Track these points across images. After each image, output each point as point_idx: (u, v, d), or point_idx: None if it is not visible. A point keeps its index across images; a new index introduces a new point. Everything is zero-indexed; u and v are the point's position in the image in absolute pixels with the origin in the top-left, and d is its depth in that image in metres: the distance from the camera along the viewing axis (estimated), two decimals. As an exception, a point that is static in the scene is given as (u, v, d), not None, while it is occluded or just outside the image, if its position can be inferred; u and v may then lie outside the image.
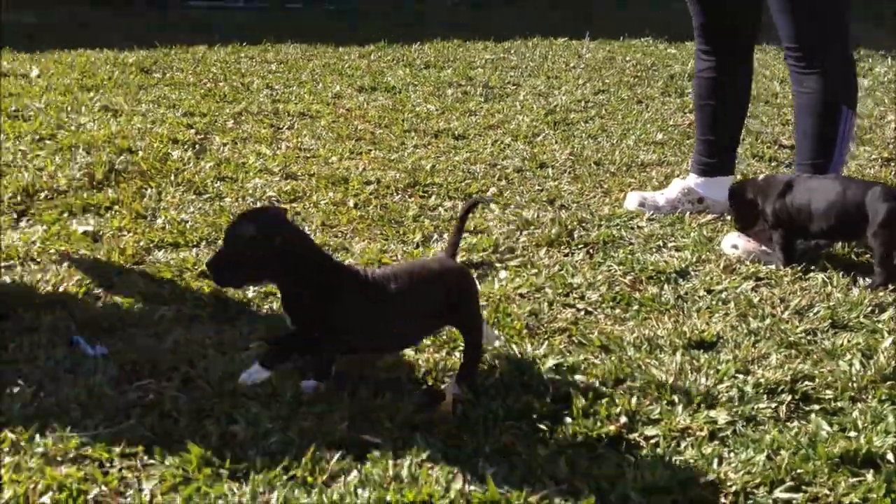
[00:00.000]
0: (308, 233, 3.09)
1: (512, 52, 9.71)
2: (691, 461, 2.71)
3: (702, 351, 3.39)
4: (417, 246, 4.35)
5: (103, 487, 2.55)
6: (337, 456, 2.66)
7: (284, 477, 2.58)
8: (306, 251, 2.85)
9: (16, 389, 2.98)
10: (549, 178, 5.48)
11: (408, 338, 3.04)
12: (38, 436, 2.73)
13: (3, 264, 3.97)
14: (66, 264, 3.99)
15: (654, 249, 4.40)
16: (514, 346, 3.36)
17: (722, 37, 4.76)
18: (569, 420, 2.88)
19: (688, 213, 4.83)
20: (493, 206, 4.86)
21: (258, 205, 4.78)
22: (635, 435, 2.85)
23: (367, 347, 3.05)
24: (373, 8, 13.07)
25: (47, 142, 5.79)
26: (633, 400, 3.01)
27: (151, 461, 2.66)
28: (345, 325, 2.88)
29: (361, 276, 2.91)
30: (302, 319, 2.89)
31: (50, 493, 2.49)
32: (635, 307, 3.78)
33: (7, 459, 2.63)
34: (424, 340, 3.24)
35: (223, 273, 2.90)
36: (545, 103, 7.37)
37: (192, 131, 6.18)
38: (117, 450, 2.70)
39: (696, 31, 4.85)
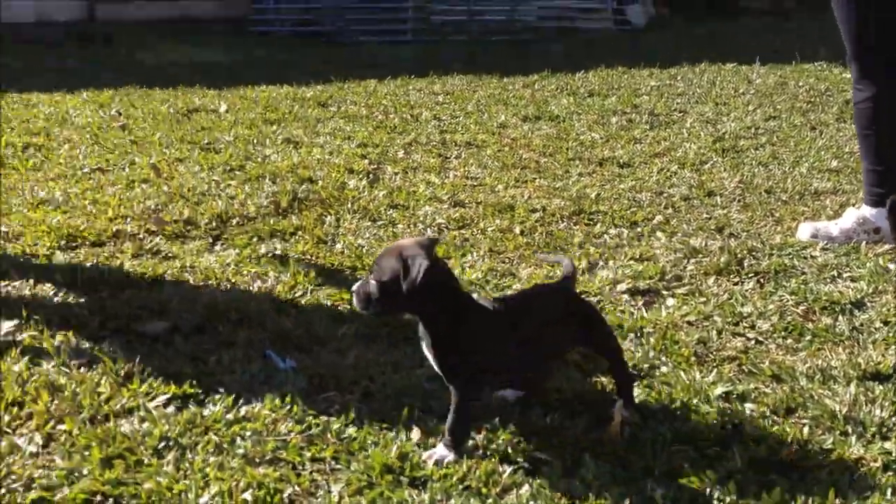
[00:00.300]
0: (449, 268, 3.05)
1: (678, 78, 9.67)
2: (864, 492, 2.67)
3: (877, 382, 3.32)
4: (582, 273, 4.44)
5: (296, 487, 2.78)
6: (509, 470, 2.79)
7: (460, 486, 2.74)
8: (447, 287, 2.88)
9: (217, 397, 3.28)
10: (717, 206, 5.45)
11: (541, 364, 3.11)
12: (238, 439, 3.01)
13: (200, 283, 4.36)
14: (257, 284, 4.33)
15: (827, 280, 4.32)
16: (682, 372, 3.40)
17: (877, 66, 4.66)
18: (738, 446, 2.89)
19: (863, 242, 4.71)
20: (659, 233, 4.89)
21: (428, 231, 5.01)
22: (807, 463, 2.83)
23: (504, 378, 3.09)
24: (535, 37, 13.31)
25: (237, 172, 6.27)
26: (805, 430, 2.99)
27: (338, 466, 2.87)
28: (482, 356, 2.88)
29: (492, 308, 2.97)
30: (442, 352, 2.90)
31: (250, 491, 2.74)
32: (808, 337, 3.74)
33: (212, 459, 2.91)
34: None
35: (364, 301, 2.94)
36: (713, 130, 7.31)
37: (366, 161, 6.53)
38: (308, 454, 2.94)
39: (851, 63, 4.77)
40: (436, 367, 2.94)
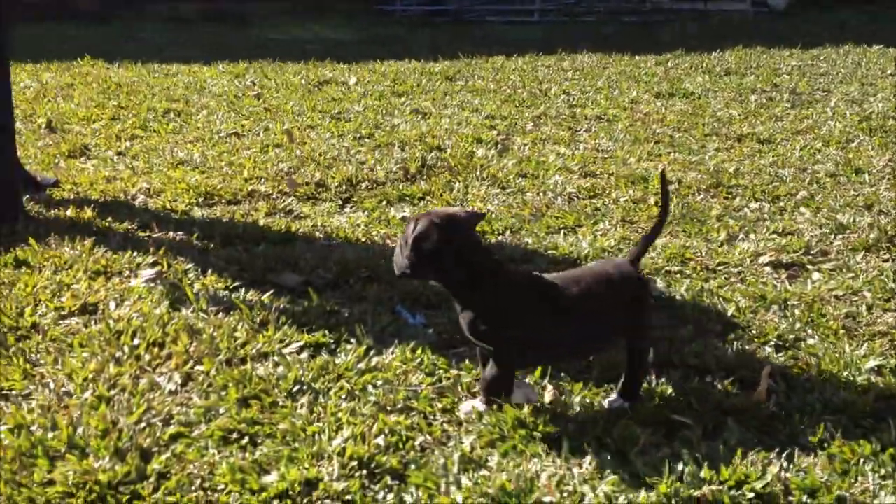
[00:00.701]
0: (478, 239, 2.86)
1: (821, 59, 9.24)
2: None
3: None
4: (721, 244, 4.26)
5: (428, 437, 2.76)
6: (648, 431, 2.69)
7: (596, 444, 2.65)
8: (470, 256, 2.76)
9: (348, 347, 3.30)
10: (865, 183, 5.16)
11: (583, 345, 2.89)
12: (370, 387, 3.01)
13: (333, 242, 4.40)
14: (387, 245, 4.34)
15: None
16: (830, 344, 3.21)
17: None
18: (894, 419, 2.71)
19: None
20: (803, 209, 4.66)
21: (557, 200, 4.92)
22: (974, 443, 2.63)
23: (543, 355, 2.89)
24: (667, 19, 12.95)
25: (366, 140, 6.32)
26: (969, 408, 2.78)
27: (470, 419, 2.83)
28: (518, 331, 2.75)
29: (534, 281, 2.81)
30: (470, 322, 2.80)
31: (382, 437, 2.73)
32: (968, 316, 3.48)
33: (344, 404, 2.92)
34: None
35: (399, 265, 2.84)
36: (859, 110, 6.94)
37: (495, 132, 6.47)
38: (439, 405, 2.92)
39: None
40: (468, 335, 2.84)
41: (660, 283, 3.84)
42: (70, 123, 6.80)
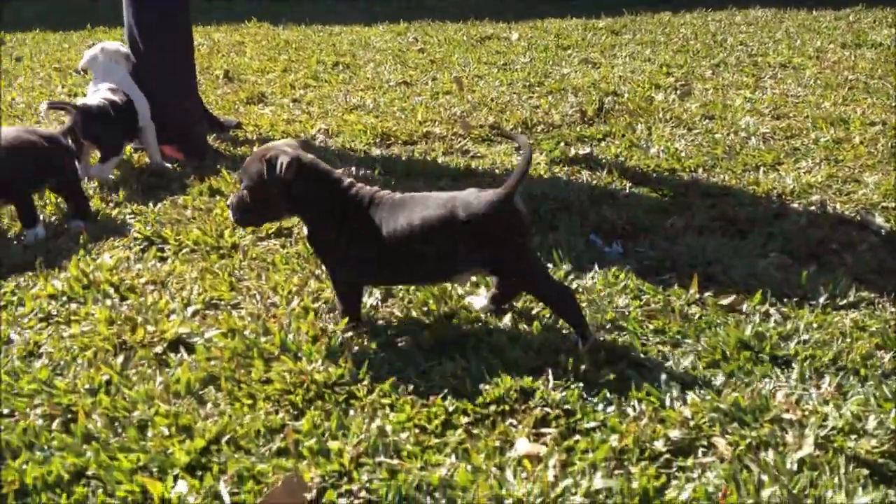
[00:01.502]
0: (322, 165, 2.77)
1: None
2: None
3: None
4: (939, 185, 3.92)
5: (642, 355, 2.62)
6: (888, 357, 2.46)
7: (833, 367, 2.45)
8: (320, 184, 2.73)
9: (551, 267, 3.19)
10: None
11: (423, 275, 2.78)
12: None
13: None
14: (571, 180, 4.21)
15: None
16: None
17: None
18: None
19: None
20: None
21: (751, 140, 4.65)
22: None
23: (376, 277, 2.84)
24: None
25: (536, 87, 6.18)
26: None
27: (687, 341, 2.68)
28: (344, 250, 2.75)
29: (367, 200, 2.73)
30: (319, 249, 2.82)
31: (594, 353, 2.61)
32: None
33: (548, 322, 2.82)
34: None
35: (239, 211, 2.81)
36: None
37: (672, 78, 6.21)
38: (651, 326, 2.77)
39: None
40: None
41: (879, 219, 3.56)
42: (245, 75, 6.96)
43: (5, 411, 2.45)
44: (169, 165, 4.58)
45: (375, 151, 4.86)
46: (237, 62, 7.45)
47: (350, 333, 2.77)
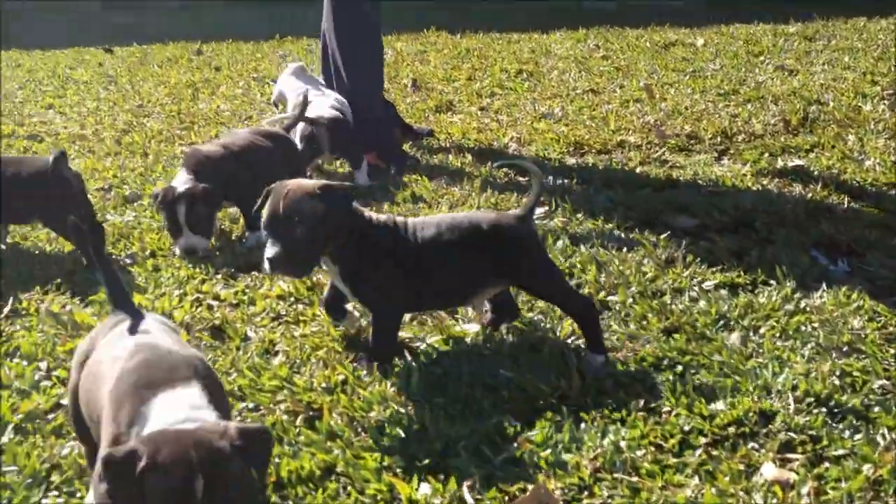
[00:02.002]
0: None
1: None
2: None
3: None
4: None
5: (885, 381, 2.49)
6: None
7: None
8: (353, 214, 2.64)
9: (768, 289, 3.09)
10: None
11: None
12: (803, 328, 2.79)
13: (716, 189, 4.19)
14: (783, 193, 4.06)
15: None
16: None
17: None
18: None
19: None
20: None
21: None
22: None
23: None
24: None
25: (731, 95, 6.00)
26: None
27: None
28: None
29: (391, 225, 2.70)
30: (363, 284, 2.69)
31: (835, 377, 2.50)
32: None
33: (779, 343, 2.72)
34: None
35: (290, 263, 2.55)
36: None
37: (878, 87, 5.89)
38: (892, 350, 2.64)
39: None
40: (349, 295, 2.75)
41: None
42: (431, 83, 7.10)
43: (251, 405, 2.59)
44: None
45: (570, 161, 4.85)
46: (422, 71, 7.61)
47: (573, 339, 2.77)
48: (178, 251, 3.68)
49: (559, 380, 2.58)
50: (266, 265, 2.50)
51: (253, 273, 3.50)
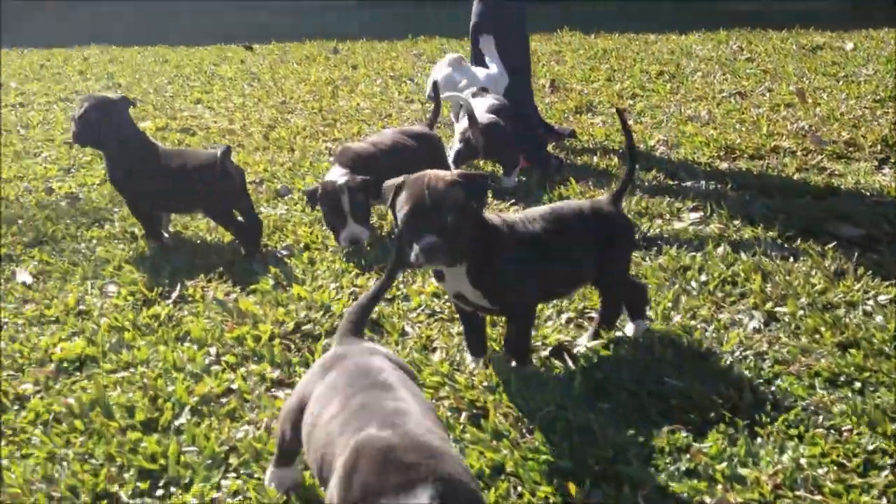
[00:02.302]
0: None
1: None
2: None
3: None
4: None
5: None
6: None
7: None
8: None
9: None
10: None
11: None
12: None
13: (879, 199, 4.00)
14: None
15: None
16: None
17: None
18: None
19: None
20: None
21: None
22: None
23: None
24: None
25: (889, 102, 5.73)
26: None
27: None
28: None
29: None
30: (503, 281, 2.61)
31: None
32: None
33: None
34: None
35: (441, 252, 2.44)
36: None
37: None
38: None
39: None
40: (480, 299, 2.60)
41: None
42: (570, 83, 7.04)
43: (413, 400, 2.60)
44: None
45: (722, 165, 4.72)
46: (559, 71, 7.55)
47: (737, 355, 2.69)
48: (341, 242, 3.74)
49: (729, 390, 2.51)
50: (418, 256, 2.40)
51: (405, 269, 3.53)
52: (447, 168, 4.28)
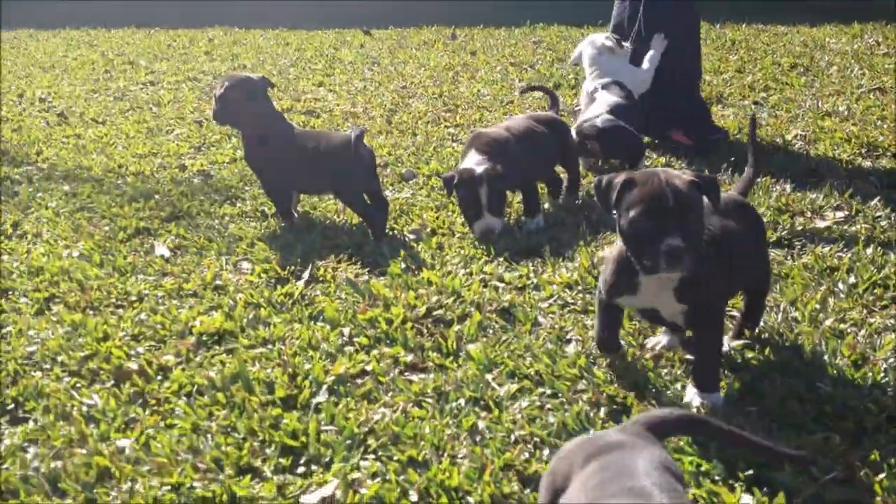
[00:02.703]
0: None
1: None
2: None
3: None
4: None
5: None
6: None
7: None
8: None
9: None
10: None
11: None
12: None
13: None
14: None
15: None
16: None
17: None
18: None
19: None
20: None
21: None
22: None
23: None
24: None
25: None
26: None
27: None
28: None
29: None
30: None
31: None
32: None
33: None
34: None
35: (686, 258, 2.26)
36: None
37: None
38: None
39: None
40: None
41: None
42: (697, 74, 6.83)
43: (549, 392, 2.56)
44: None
45: (864, 163, 4.49)
46: (686, 61, 7.34)
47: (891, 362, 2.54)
48: (476, 232, 3.71)
49: (885, 398, 2.37)
50: (661, 261, 2.21)
51: (534, 258, 3.48)
52: (574, 154, 4.25)
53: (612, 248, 2.51)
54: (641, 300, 2.43)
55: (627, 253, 2.34)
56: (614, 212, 2.32)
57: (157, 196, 4.39)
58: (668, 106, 4.84)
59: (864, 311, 2.91)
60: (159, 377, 2.70)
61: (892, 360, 2.59)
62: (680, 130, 4.88)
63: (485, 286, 3.26)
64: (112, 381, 2.66)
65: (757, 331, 2.78)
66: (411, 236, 3.80)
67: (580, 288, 3.19)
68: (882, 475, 2.10)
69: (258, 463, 2.23)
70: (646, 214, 2.23)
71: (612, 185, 2.31)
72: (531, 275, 3.34)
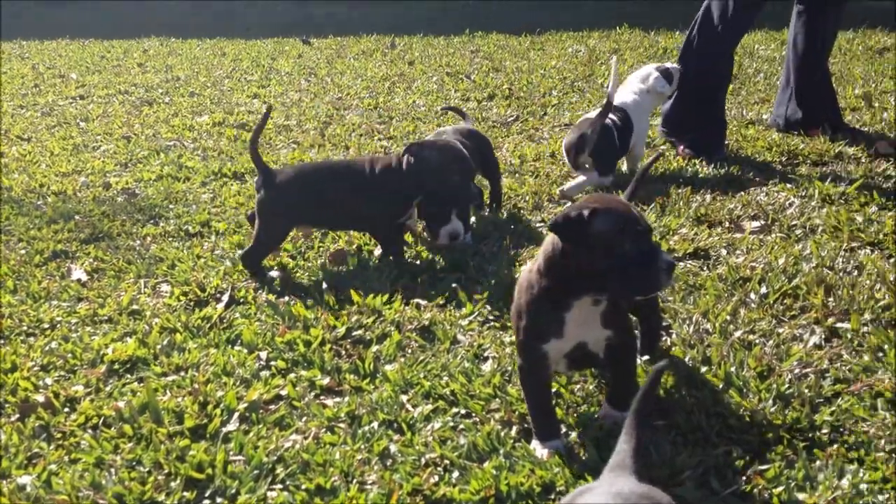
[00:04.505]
0: None
1: None
2: None
3: None
4: None
5: None
6: None
7: None
8: None
9: None
10: None
11: None
12: None
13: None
14: None
15: None
16: None
17: None
18: None
19: None
20: None
21: None
22: None
23: None
24: None
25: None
26: None
27: None
28: None
29: None
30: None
31: None
32: None
33: None
34: None
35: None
36: None
37: None
38: None
39: None
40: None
41: None
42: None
43: (463, 412, 2.56)
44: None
45: (784, 171, 4.59)
46: (620, 71, 7.42)
47: (797, 373, 2.60)
48: (442, 238, 3.65)
49: (788, 409, 2.42)
50: (664, 277, 2.27)
51: (459, 273, 3.49)
52: (496, 167, 4.29)
53: (518, 297, 2.41)
54: (569, 339, 2.37)
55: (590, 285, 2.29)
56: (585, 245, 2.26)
57: (77, 217, 4.32)
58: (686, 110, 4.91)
59: (774, 322, 2.96)
60: (66, 409, 2.65)
61: (797, 370, 2.65)
62: (687, 145, 4.91)
63: (407, 304, 3.26)
64: (17, 415, 2.61)
65: (669, 343, 2.83)
66: (334, 256, 3.77)
67: (500, 303, 3.21)
68: (780, 488, 2.14)
69: (161, 497, 2.20)
70: (643, 234, 2.27)
71: (580, 216, 2.24)
72: (453, 293, 3.34)
